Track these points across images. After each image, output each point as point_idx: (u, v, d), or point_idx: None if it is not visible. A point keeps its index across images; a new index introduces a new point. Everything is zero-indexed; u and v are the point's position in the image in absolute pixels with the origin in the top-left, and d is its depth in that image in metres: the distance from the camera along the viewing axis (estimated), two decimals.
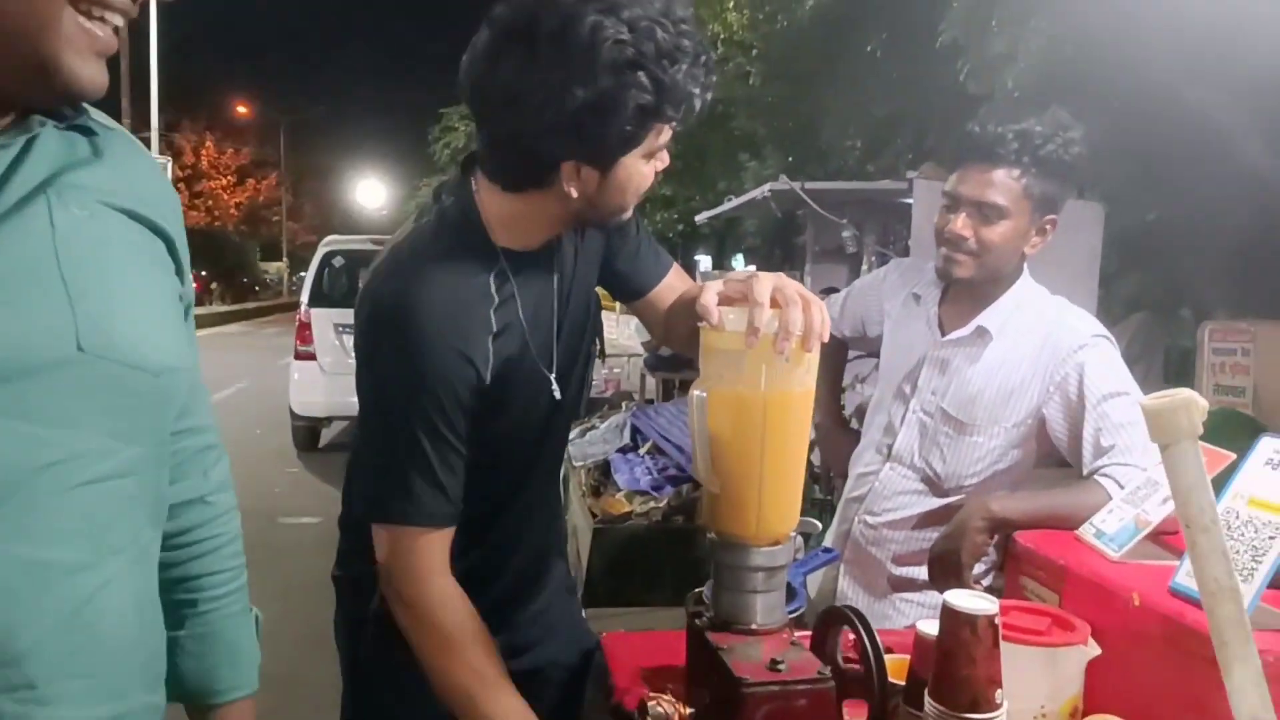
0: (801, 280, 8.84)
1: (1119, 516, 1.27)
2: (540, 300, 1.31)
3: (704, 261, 13.08)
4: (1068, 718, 1.10)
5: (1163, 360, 4.95)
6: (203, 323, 24.18)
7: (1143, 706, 1.09)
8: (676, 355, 7.38)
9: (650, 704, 1.06)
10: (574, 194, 1.18)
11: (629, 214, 1.28)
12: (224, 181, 40.56)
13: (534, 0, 1.11)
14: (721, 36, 10.26)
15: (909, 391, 1.77)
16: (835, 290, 8.25)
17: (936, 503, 1.72)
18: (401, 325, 1.18)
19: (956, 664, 0.96)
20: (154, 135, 21.80)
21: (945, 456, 1.71)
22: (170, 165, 22.50)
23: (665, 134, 1.18)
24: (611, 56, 1.07)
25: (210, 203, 39.26)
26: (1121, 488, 1.41)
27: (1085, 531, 1.30)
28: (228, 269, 40.75)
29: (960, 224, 1.63)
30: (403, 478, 1.18)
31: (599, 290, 1.43)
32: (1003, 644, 0.97)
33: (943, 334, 1.75)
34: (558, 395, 1.32)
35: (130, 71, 21.66)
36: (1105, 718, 1.08)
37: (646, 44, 1.08)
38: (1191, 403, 0.86)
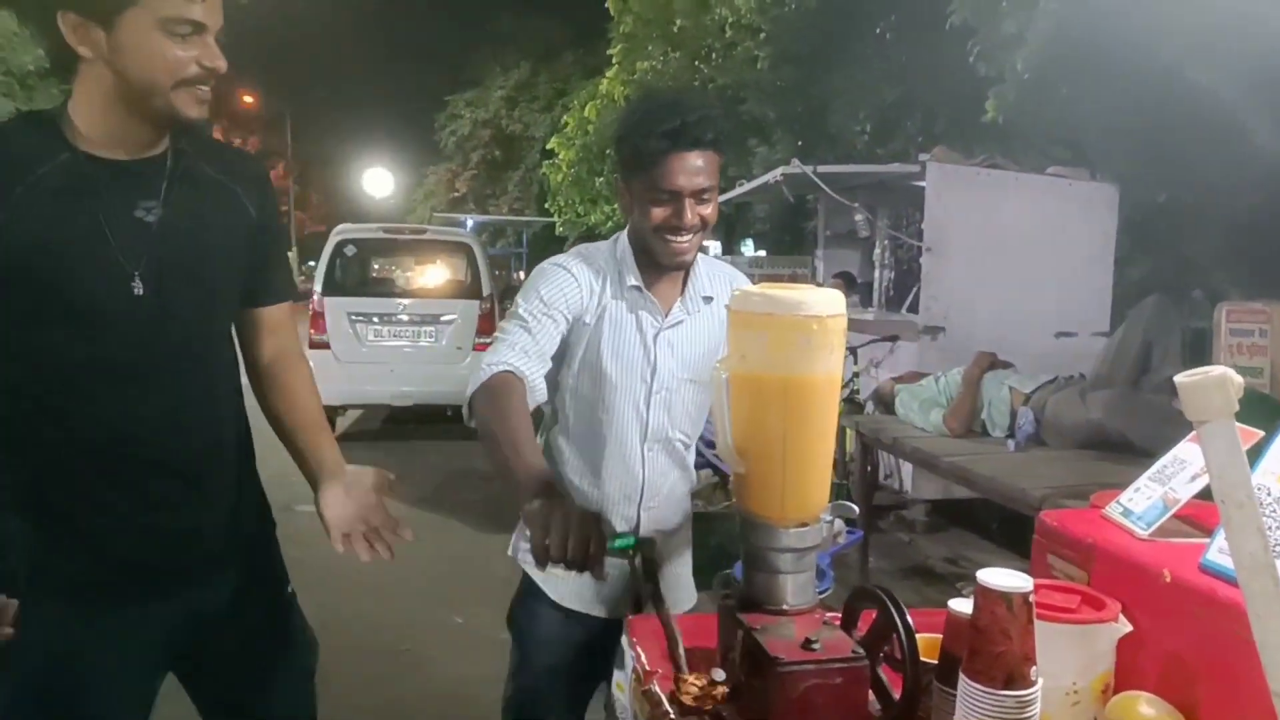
0: (813, 266, 8.63)
1: (1146, 495, 1.27)
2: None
3: (714, 247, 13.01)
4: (1099, 694, 1.10)
5: (1179, 341, 4.94)
6: None
7: (1174, 682, 1.09)
8: None
9: (685, 684, 1.07)
10: (89, 54, 1.16)
11: (170, 101, 1.22)
12: None
13: None
14: (730, 20, 10.18)
15: None
16: (849, 275, 8.11)
17: None
18: None
19: (992, 641, 0.96)
20: None
21: None
22: None
23: (171, 3, 1.13)
24: None
25: None
26: None
27: (1112, 510, 1.30)
28: None
29: None
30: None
31: None
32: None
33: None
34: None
35: None
36: (1137, 694, 1.09)
37: None
38: (1227, 380, 0.86)
